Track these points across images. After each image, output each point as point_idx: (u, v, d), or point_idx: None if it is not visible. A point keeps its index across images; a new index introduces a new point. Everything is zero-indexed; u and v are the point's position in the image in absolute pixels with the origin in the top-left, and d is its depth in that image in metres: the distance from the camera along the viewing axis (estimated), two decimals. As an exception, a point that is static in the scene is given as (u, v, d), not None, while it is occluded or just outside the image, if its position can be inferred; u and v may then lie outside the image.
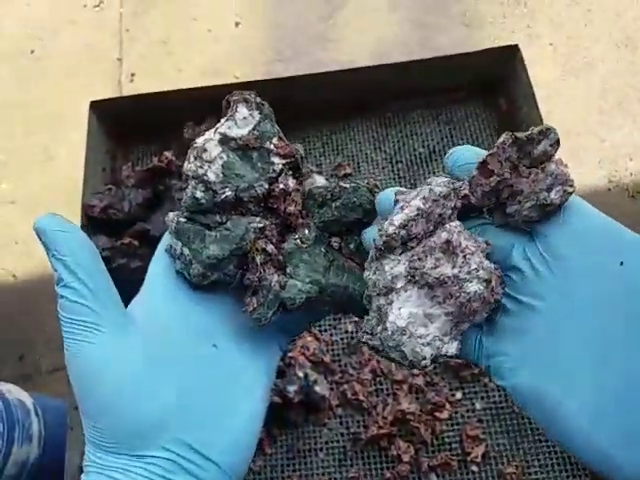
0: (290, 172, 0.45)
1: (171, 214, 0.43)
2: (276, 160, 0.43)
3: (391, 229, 0.35)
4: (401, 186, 0.99)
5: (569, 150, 1.50)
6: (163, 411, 0.32)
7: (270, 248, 0.42)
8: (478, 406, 0.85)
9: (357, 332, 0.90)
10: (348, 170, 1.00)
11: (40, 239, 0.37)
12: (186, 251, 0.41)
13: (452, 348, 0.36)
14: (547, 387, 0.32)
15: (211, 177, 0.41)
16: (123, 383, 0.33)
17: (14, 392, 1.12)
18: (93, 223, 0.90)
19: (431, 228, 0.35)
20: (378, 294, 0.36)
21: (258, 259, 0.41)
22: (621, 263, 0.31)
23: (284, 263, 0.41)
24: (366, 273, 0.37)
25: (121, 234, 0.90)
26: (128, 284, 0.88)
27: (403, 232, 0.35)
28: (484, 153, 0.36)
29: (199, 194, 0.41)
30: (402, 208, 0.35)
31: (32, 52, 1.00)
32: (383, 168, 1.01)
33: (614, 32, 0.94)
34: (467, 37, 0.95)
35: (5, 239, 1.89)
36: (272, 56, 0.97)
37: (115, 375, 0.33)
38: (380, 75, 0.99)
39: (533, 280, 0.34)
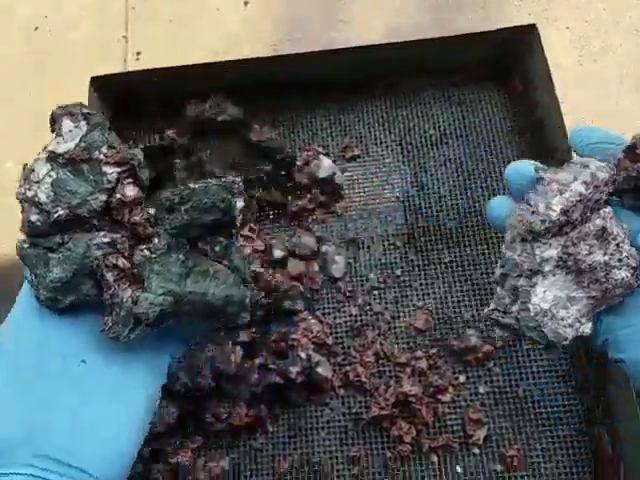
0: (129, 180, 0.42)
1: (17, 240, 0.41)
2: (109, 170, 0.41)
3: (554, 215, 0.35)
4: (411, 170, 0.98)
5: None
6: (24, 429, 0.34)
7: (122, 262, 0.41)
8: (481, 390, 0.85)
9: (361, 315, 0.90)
10: (356, 152, 0.99)
11: None
12: (33, 277, 0.40)
13: (587, 328, 0.37)
14: None
15: (42, 198, 0.40)
16: None
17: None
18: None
19: (587, 214, 0.36)
20: (519, 275, 0.36)
21: (109, 276, 0.40)
22: None
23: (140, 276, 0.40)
24: (508, 253, 0.37)
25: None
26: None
27: (563, 218, 0.35)
28: (618, 136, 0.36)
29: (33, 217, 0.40)
30: (560, 192, 0.35)
31: (36, 29, 0.99)
32: (392, 150, 1.00)
33: (633, 16, 0.91)
34: (482, 19, 0.92)
35: (8, 224, 1.89)
36: (281, 36, 0.95)
37: None
38: (390, 54, 0.97)
39: None
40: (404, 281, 0.91)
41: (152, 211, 0.43)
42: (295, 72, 0.97)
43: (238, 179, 0.49)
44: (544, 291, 0.36)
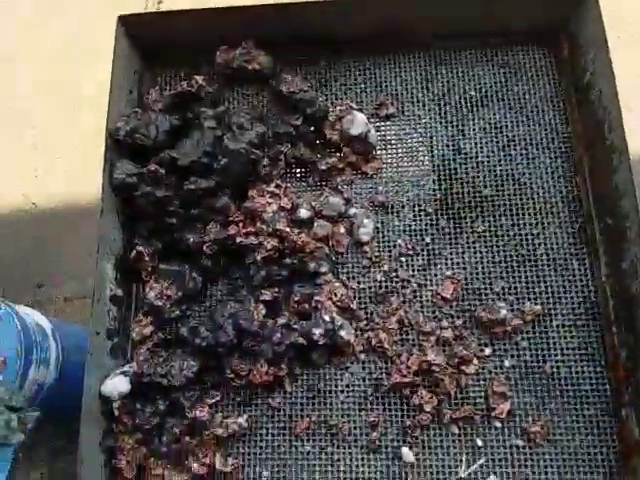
0: None
1: None
2: None
3: None
4: (448, 132, 0.93)
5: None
6: None
7: None
8: (507, 363, 0.82)
9: (386, 281, 0.87)
10: (391, 110, 0.94)
11: None
12: None
13: None
14: None
15: None
16: None
17: (33, 316, 1.13)
18: (118, 147, 0.86)
19: None
20: None
21: None
22: None
23: None
24: None
25: (147, 160, 0.86)
26: (154, 213, 0.85)
27: None
28: None
29: None
30: None
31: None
32: (429, 110, 0.94)
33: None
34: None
35: (26, 168, 1.87)
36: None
37: None
38: (434, 8, 0.91)
39: None
40: (433, 249, 0.88)
41: None
42: (331, 21, 0.91)
43: None
44: None
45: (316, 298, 0.83)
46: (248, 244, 0.84)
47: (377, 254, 0.88)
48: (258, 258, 0.84)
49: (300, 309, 0.84)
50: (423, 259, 0.87)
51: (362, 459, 0.80)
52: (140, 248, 0.84)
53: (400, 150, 0.93)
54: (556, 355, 0.82)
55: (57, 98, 1.93)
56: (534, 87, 0.94)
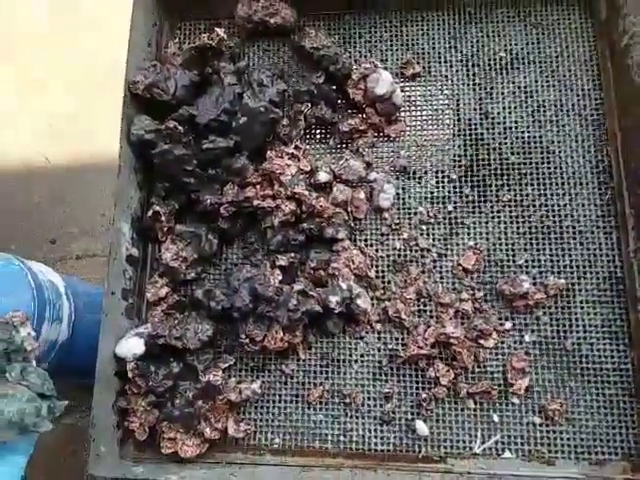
0: None
1: None
2: None
3: None
4: (476, 95, 0.88)
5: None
6: None
7: None
8: (527, 338, 0.80)
9: (405, 250, 0.84)
10: (417, 69, 0.89)
11: None
12: None
13: None
14: None
15: None
16: None
17: (46, 273, 1.12)
18: (136, 101, 0.82)
19: None
20: None
21: None
22: None
23: None
24: None
25: (165, 117, 0.83)
26: (172, 172, 0.82)
27: None
28: None
29: None
30: None
31: None
32: (457, 71, 0.89)
33: None
34: None
35: (39, 121, 1.84)
36: None
37: None
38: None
39: None
40: (456, 217, 0.84)
41: None
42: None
43: (19, 312, 0.67)
44: None
45: (333, 265, 0.80)
46: (265, 207, 0.81)
47: (397, 221, 0.85)
48: (275, 222, 0.81)
49: (316, 275, 0.81)
50: (445, 228, 0.84)
51: (375, 430, 0.79)
52: (157, 208, 0.81)
53: (425, 112, 0.89)
54: (578, 332, 0.79)
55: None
56: (567, 50, 0.89)
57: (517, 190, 0.84)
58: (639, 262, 0.79)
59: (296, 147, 0.85)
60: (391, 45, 0.91)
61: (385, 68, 0.88)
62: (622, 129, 0.84)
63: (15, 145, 1.82)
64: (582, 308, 0.80)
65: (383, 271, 0.84)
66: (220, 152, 0.81)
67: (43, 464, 1.50)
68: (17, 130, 1.83)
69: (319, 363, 0.82)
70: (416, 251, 0.84)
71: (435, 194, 0.85)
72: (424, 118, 0.88)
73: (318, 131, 0.90)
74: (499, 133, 0.86)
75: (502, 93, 0.88)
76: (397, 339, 0.81)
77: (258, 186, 0.83)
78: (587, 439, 0.76)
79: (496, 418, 0.78)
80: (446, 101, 0.88)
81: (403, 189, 0.86)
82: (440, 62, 0.90)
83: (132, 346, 0.75)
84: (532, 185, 0.84)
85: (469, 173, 0.86)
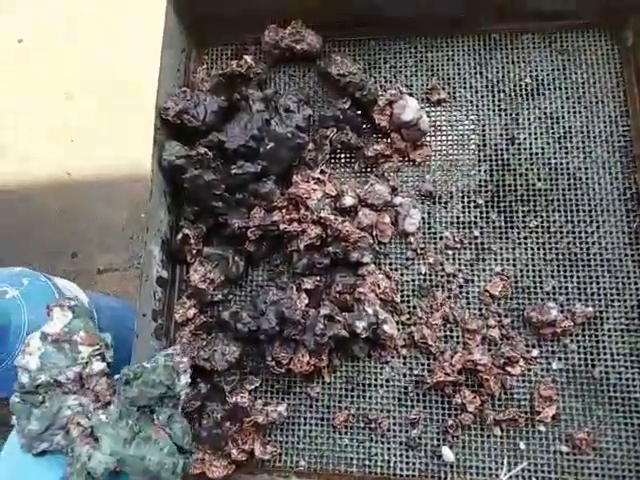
0: (97, 357, 0.59)
1: (12, 395, 0.55)
2: (83, 349, 0.57)
3: None
4: (501, 120, 0.89)
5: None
6: None
7: (85, 422, 0.54)
8: (554, 366, 0.79)
9: (431, 275, 0.84)
10: (442, 95, 0.90)
11: None
12: (17, 426, 0.53)
13: None
14: None
15: (31, 366, 0.55)
16: None
17: (72, 290, 1.14)
18: (167, 127, 0.84)
19: None
20: None
21: (74, 432, 0.53)
22: None
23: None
24: None
25: (193, 141, 0.85)
26: (201, 196, 0.84)
27: None
28: None
29: (24, 379, 0.54)
30: None
31: None
32: (482, 97, 0.90)
33: None
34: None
35: (61, 136, 1.88)
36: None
37: None
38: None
39: None
40: (482, 243, 0.85)
41: (116, 377, 0.59)
42: (377, 3, 0.87)
43: (185, 359, 0.68)
44: None
45: (359, 290, 0.81)
46: (291, 231, 0.82)
47: (422, 246, 0.85)
48: (301, 246, 0.82)
49: (341, 299, 0.82)
50: (471, 253, 0.84)
51: (400, 455, 0.79)
52: (187, 231, 0.83)
53: (450, 137, 0.89)
54: (606, 360, 0.79)
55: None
56: (594, 76, 0.89)
57: (544, 216, 0.84)
58: (668, 289, 0.79)
59: (322, 171, 0.86)
60: (416, 71, 0.92)
61: (410, 94, 0.89)
62: (649, 155, 0.84)
63: (37, 160, 1.86)
64: (610, 336, 0.80)
65: (408, 296, 0.84)
66: (248, 177, 0.83)
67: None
68: (40, 145, 1.87)
69: (344, 387, 0.82)
70: (442, 276, 0.84)
71: (461, 219, 0.86)
72: (450, 143, 0.89)
73: (343, 155, 0.91)
74: (525, 159, 0.87)
75: (528, 119, 0.88)
76: (423, 364, 0.81)
77: (284, 210, 0.84)
78: (615, 469, 0.75)
79: (523, 446, 0.77)
80: (472, 126, 0.89)
81: (429, 213, 0.87)
82: (465, 87, 0.90)
83: (161, 368, 0.76)
84: (559, 212, 0.84)
85: (495, 198, 0.86)
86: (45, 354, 0.55)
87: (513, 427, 0.78)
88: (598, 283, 0.81)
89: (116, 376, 0.61)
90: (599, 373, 0.78)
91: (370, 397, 0.81)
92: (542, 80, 0.90)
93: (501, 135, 0.88)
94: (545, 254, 0.83)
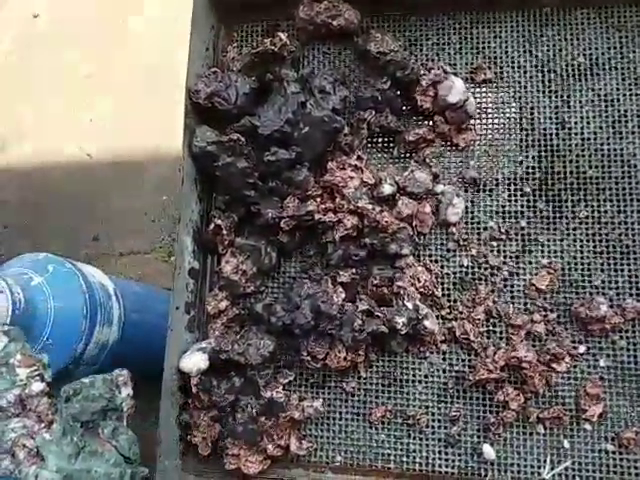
0: (37, 377, 0.59)
1: None
2: (20, 371, 0.58)
3: None
4: (552, 103, 0.83)
5: None
6: None
7: (30, 443, 0.55)
8: (602, 363, 0.76)
9: (473, 267, 0.81)
10: (488, 75, 0.84)
11: None
12: None
13: None
14: None
15: None
16: None
17: (97, 276, 1.12)
18: (196, 110, 0.80)
19: None
20: None
21: (21, 454, 0.54)
22: None
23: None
24: None
25: (223, 125, 0.81)
26: (234, 184, 0.80)
27: None
28: None
29: None
30: None
31: None
32: (531, 77, 0.84)
33: None
34: None
35: (79, 116, 1.84)
36: None
37: None
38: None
39: None
40: (529, 234, 0.80)
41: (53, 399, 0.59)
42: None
43: (124, 371, 0.69)
44: None
45: (398, 284, 0.77)
46: (327, 221, 0.79)
47: (465, 237, 0.81)
48: (336, 237, 0.79)
49: (379, 293, 0.79)
50: (517, 245, 0.80)
51: (439, 452, 0.77)
52: (218, 221, 0.80)
53: (496, 121, 0.84)
54: (657, 358, 0.75)
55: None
56: (655, 54, 0.83)
57: (595, 206, 0.80)
58: None
59: (358, 157, 0.82)
60: (460, 48, 0.86)
61: (455, 73, 0.83)
62: None
63: (57, 142, 1.83)
64: (662, 333, 0.76)
65: (449, 289, 0.81)
66: (281, 164, 0.79)
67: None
68: (59, 127, 1.84)
69: (381, 382, 0.80)
70: (485, 269, 0.80)
71: (507, 208, 0.81)
72: (495, 127, 0.84)
73: (381, 140, 0.86)
74: (576, 145, 0.81)
75: (580, 102, 0.82)
76: (464, 360, 0.78)
77: (319, 199, 0.81)
78: (664, 471, 0.73)
79: (567, 444, 0.75)
80: (519, 109, 0.83)
81: (472, 202, 0.82)
82: (513, 67, 0.85)
83: (196, 361, 0.75)
84: (611, 201, 0.80)
85: (544, 187, 0.81)
86: None
87: (557, 425, 0.75)
88: (651, 277, 0.77)
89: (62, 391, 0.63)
90: (649, 371, 0.75)
91: (408, 393, 0.79)
92: (596, 59, 0.83)
93: (551, 119, 0.83)
94: (595, 246, 0.79)
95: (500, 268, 0.80)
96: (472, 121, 0.83)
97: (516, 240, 0.80)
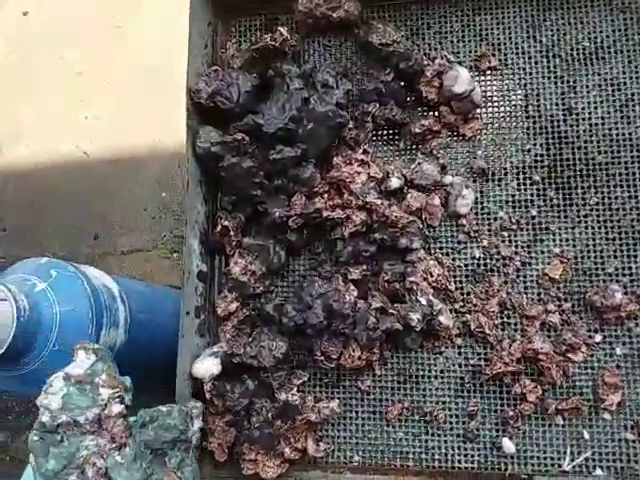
0: (117, 399, 0.60)
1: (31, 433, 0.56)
2: (103, 391, 0.59)
3: None
4: (557, 89, 0.82)
5: None
6: None
7: (100, 462, 0.56)
8: (619, 351, 0.75)
9: (485, 259, 0.79)
10: (493, 62, 0.82)
11: None
12: (34, 463, 0.54)
13: None
14: None
15: (53, 405, 0.57)
16: None
17: (101, 278, 1.10)
18: (198, 110, 0.78)
19: None
20: None
21: (90, 472, 0.55)
22: None
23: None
24: None
25: (225, 123, 0.79)
26: (239, 184, 0.78)
27: None
28: None
29: (44, 418, 0.56)
30: None
31: None
32: (536, 63, 0.82)
33: None
34: None
35: (74, 113, 1.81)
36: None
37: None
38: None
39: None
40: (540, 223, 0.79)
41: (132, 419, 0.60)
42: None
43: (199, 404, 0.71)
44: None
45: (410, 279, 0.76)
46: (335, 218, 0.77)
47: (475, 228, 0.80)
48: (345, 233, 0.78)
49: (391, 288, 0.78)
50: (528, 234, 0.79)
51: (458, 448, 0.76)
52: (225, 222, 0.78)
53: (502, 108, 0.83)
54: (673, 343, 0.75)
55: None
56: (661, 36, 0.81)
57: (605, 192, 0.79)
58: None
59: (364, 152, 0.80)
60: (463, 36, 0.84)
61: (459, 62, 0.82)
62: None
63: (54, 141, 1.80)
64: (678, 318, 0.75)
65: (461, 282, 0.80)
66: (287, 162, 0.77)
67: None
68: (56, 126, 1.81)
69: (396, 379, 0.79)
70: (497, 260, 0.79)
71: (517, 197, 0.80)
72: (502, 115, 0.82)
73: (386, 133, 0.84)
74: (584, 130, 0.80)
75: (586, 86, 0.81)
76: (479, 354, 0.77)
77: (326, 195, 0.79)
78: (685, 457, 0.72)
79: (586, 434, 0.74)
80: (525, 96, 0.82)
81: (481, 192, 0.81)
82: (518, 54, 0.83)
83: (209, 366, 0.73)
84: (621, 187, 0.78)
85: (553, 174, 0.80)
86: (67, 395, 0.58)
87: (576, 416, 0.74)
88: (665, 263, 0.76)
89: (131, 418, 0.63)
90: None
91: (424, 389, 0.78)
92: (601, 43, 0.82)
93: (557, 105, 0.81)
94: (607, 233, 0.78)
95: (512, 258, 0.79)
96: (478, 110, 0.82)
97: (527, 230, 0.79)
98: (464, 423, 0.76)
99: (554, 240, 0.79)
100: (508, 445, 0.74)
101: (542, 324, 0.77)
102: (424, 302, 0.74)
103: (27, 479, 0.55)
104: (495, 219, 0.80)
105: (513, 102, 0.82)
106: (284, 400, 0.73)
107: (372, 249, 0.78)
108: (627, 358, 0.75)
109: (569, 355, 0.75)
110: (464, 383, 0.77)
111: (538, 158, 0.81)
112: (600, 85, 0.81)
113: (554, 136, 0.81)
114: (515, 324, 0.77)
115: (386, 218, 0.76)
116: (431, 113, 0.83)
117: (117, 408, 0.59)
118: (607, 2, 0.83)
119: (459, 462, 0.76)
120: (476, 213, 0.81)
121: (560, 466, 0.74)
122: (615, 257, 0.77)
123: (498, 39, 0.84)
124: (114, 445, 0.58)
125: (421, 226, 0.79)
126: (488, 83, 0.83)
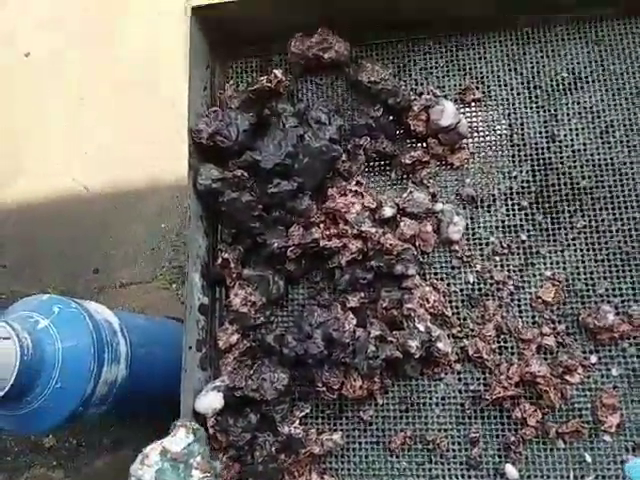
0: None
1: None
2: (195, 473, 0.61)
3: None
4: (540, 118, 0.85)
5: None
6: None
7: None
8: (615, 372, 0.76)
9: (479, 283, 0.81)
10: (477, 95, 0.86)
11: None
12: None
13: None
14: None
15: (146, 477, 0.59)
16: None
17: (102, 312, 1.10)
18: (199, 149, 0.81)
19: None
20: None
21: None
22: None
23: None
24: None
25: (228, 162, 0.81)
26: (239, 218, 0.80)
27: None
28: None
29: None
30: None
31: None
32: (518, 94, 0.86)
33: None
34: None
35: (74, 148, 1.83)
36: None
37: None
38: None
39: None
40: (530, 247, 0.81)
41: None
42: (405, 3, 0.83)
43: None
44: None
45: (408, 305, 0.77)
46: (332, 247, 0.79)
47: (468, 253, 0.82)
48: (342, 261, 0.79)
49: (389, 315, 0.79)
50: (519, 258, 0.81)
51: (462, 476, 0.76)
52: (226, 255, 0.80)
53: (488, 138, 0.86)
54: (668, 361, 0.76)
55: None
56: (633, 66, 0.85)
57: (591, 215, 0.81)
58: None
59: (358, 183, 0.83)
60: (448, 71, 0.88)
61: (445, 96, 0.85)
62: (695, 146, 0.80)
63: (54, 176, 1.81)
64: (670, 336, 0.77)
65: (457, 307, 0.81)
66: (284, 195, 0.79)
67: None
68: (55, 159, 1.83)
69: (398, 408, 0.79)
70: (491, 284, 0.81)
71: (506, 223, 0.82)
72: (488, 144, 0.86)
73: (378, 164, 0.87)
74: (567, 157, 0.83)
75: (567, 115, 0.85)
76: (479, 379, 0.78)
77: (322, 225, 0.81)
78: (687, 476, 0.72)
79: (588, 458, 0.74)
80: (509, 125, 0.85)
81: (472, 219, 0.83)
82: (500, 86, 0.87)
83: (211, 401, 0.73)
84: (607, 209, 0.81)
85: (540, 199, 0.83)
86: (161, 470, 0.59)
87: (577, 439, 0.75)
88: (654, 282, 0.78)
89: None
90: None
91: (426, 417, 0.78)
92: (579, 73, 0.86)
93: (540, 133, 0.85)
94: (596, 255, 0.80)
95: (505, 282, 0.80)
96: (465, 140, 0.85)
97: (518, 254, 0.81)
98: (467, 450, 0.76)
99: (545, 263, 0.81)
100: (511, 471, 0.74)
101: (538, 347, 0.78)
102: (422, 329, 0.75)
103: None
104: (487, 244, 0.82)
105: (498, 132, 0.86)
106: (287, 433, 0.73)
107: (369, 276, 0.80)
108: (623, 378, 0.76)
109: (566, 377, 0.76)
110: (465, 409, 0.77)
111: (525, 184, 0.83)
112: (580, 113, 0.85)
113: (539, 163, 0.84)
114: (512, 348, 0.78)
115: (381, 246, 0.78)
116: (420, 145, 0.86)
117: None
118: (582, 35, 0.87)
119: (464, 489, 0.75)
120: (468, 239, 0.83)
121: (564, 490, 0.74)
122: (605, 278, 0.79)
123: (481, 73, 0.88)
124: None
125: (415, 253, 0.81)
126: (473, 114, 0.87)
